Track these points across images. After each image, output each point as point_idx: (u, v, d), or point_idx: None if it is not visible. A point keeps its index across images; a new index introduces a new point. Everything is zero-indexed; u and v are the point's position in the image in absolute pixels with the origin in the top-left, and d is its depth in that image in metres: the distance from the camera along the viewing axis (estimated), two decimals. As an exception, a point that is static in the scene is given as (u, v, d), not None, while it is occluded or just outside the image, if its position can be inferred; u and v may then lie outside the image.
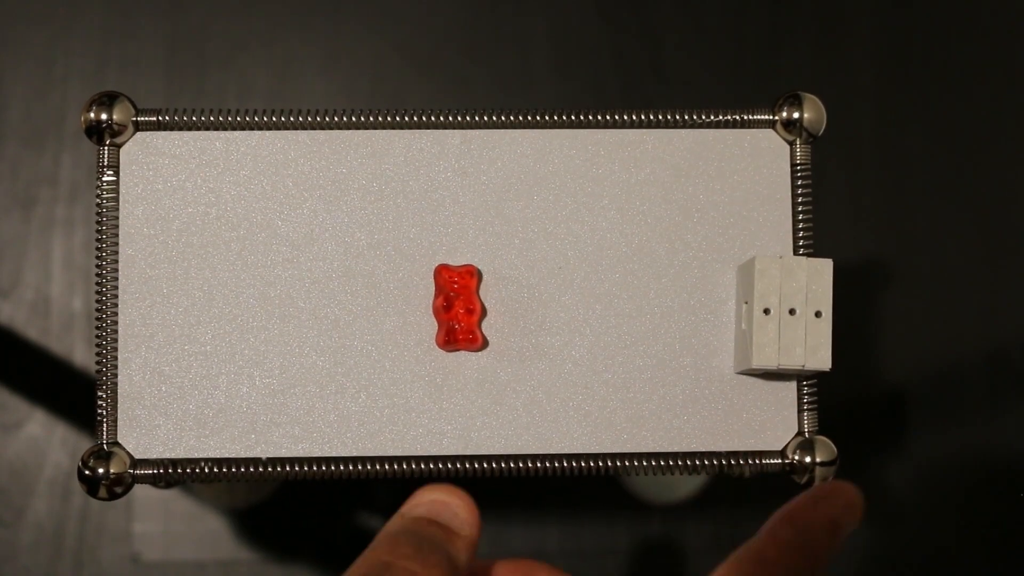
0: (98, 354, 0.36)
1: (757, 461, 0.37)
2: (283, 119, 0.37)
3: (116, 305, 0.36)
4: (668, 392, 0.37)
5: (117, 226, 0.37)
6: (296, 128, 0.37)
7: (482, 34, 0.67)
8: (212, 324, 0.37)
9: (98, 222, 0.37)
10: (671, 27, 0.67)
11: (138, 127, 0.37)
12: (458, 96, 0.66)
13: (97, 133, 0.37)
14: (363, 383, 0.37)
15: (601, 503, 0.64)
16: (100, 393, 0.36)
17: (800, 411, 0.37)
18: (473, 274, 0.37)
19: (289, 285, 0.37)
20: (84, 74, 0.66)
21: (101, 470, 0.36)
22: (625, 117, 0.38)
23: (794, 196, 0.38)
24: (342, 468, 0.36)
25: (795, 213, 0.38)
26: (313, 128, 0.37)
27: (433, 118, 0.37)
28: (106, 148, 0.37)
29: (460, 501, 0.33)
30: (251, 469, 0.36)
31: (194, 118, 0.37)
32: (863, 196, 0.67)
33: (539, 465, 0.37)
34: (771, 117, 0.38)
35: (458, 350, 0.37)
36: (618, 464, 0.37)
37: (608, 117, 0.38)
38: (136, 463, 0.36)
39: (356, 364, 0.37)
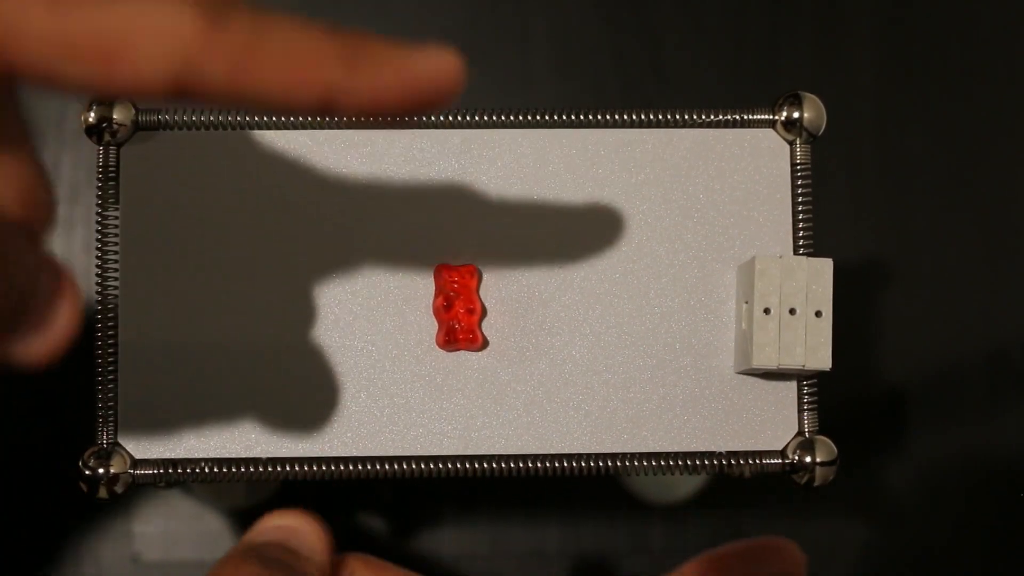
0: (98, 354, 0.36)
1: (757, 461, 0.37)
2: (283, 119, 0.37)
3: (116, 305, 0.36)
4: (668, 392, 0.37)
5: (117, 226, 0.37)
6: (296, 128, 0.37)
7: (482, 34, 0.67)
8: (212, 324, 0.37)
9: (98, 222, 0.37)
10: (671, 27, 0.67)
11: (138, 127, 0.37)
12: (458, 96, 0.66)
13: (97, 133, 0.37)
14: (363, 383, 0.37)
15: (601, 503, 0.64)
16: (100, 393, 0.36)
17: (800, 411, 0.37)
18: (473, 274, 0.37)
19: (289, 285, 0.37)
20: (84, 74, 0.66)
21: (101, 470, 0.36)
22: (625, 117, 0.38)
23: (794, 196, 0.38)
24: (342, 468, 0.36)
25: (795, 213, 0.38)
26: (313, 128, 0.37)
27: (433, 118, 0.37)
28: (106, 148, 0.37)
29: (308, 527, 0.31)
30: (251, 469, 0.36)
31: (194, 118, 0.37)
32: (863, 196, 0.66)
33: (539, 465, 0.36)
34: (771, 117, 0.38)
35: (458, 350, 0.37)
36: (618, 464, 0.37)
37: (608, 117, 0.38)
38: (136, 463, 0.36)
39: (356, 364, 0.37)
